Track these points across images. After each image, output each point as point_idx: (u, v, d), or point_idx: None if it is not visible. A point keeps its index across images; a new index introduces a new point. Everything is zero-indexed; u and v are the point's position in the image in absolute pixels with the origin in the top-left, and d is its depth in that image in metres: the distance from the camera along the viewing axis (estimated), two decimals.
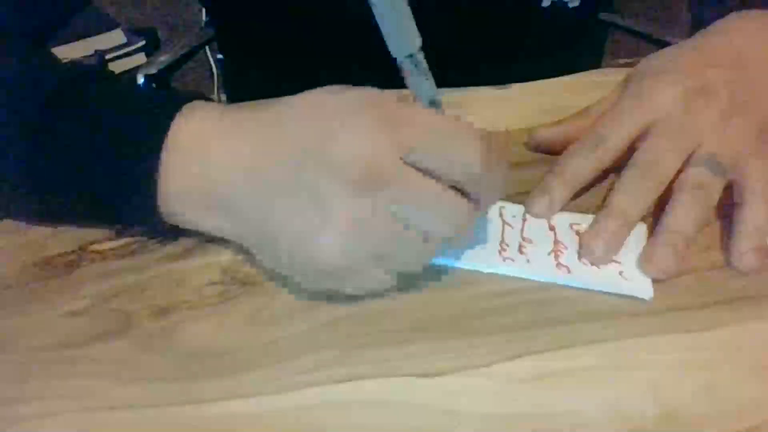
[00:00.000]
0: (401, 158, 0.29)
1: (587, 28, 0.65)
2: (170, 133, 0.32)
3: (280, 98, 0.32)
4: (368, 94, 0.31)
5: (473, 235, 0.36)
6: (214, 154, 0.32)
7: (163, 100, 0.34)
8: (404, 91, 0.32)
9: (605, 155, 0.39)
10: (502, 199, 0.39)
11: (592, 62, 0.73)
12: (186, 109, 0.33)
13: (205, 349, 0.31)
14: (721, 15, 0.44)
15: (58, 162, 0.33)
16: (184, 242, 0.36)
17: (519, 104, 0.48)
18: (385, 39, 0.30)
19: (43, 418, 0.28)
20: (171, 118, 0.33)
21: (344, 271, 0.31)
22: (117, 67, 1.45)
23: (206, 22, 0.98)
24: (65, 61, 0.39)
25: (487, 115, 0.47)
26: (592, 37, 0.71)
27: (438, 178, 0.30)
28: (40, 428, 0.28)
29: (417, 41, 0.31)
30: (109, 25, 1.47)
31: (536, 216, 0.38)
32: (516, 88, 0.50)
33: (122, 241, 0.37)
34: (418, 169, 0.30)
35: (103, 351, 0.31)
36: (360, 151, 0.29)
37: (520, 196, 0.40)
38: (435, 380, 0.30)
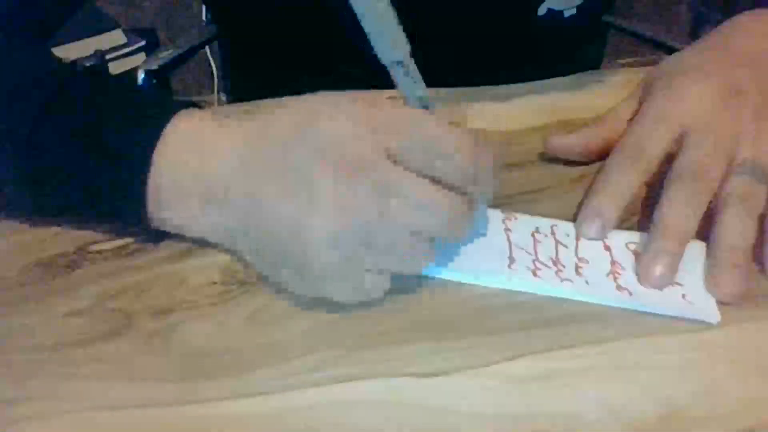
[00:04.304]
0: (386, 155, 0.30)
1: (586, 33, 0.65)
2: (165, 132, 0.33)
3: (275, 100, 0.33)
4: (358, 94, 0.32)
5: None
6: (208, 147, 0.33)
7: (159, 103, 0.35)
8: (393, 91, 0.32)
9: (649, 166, 0.37)
10: (553, 217, 0.38)
11: (592, 63, 0.73)
12: (182, 112, 0.34)
13: (205, 349, 0.31)
14: (724, 15, 0.44)
15: (53, 163, 0.34)
16: (184, 242, 0.36)
17: (519, 104, 0.48)
18: (372, 45, 0.30)
19: (43, 418, 0.28)
20: (166, 120, 0.33)
21: (334, 265, 0.30)
22: (117, 67, 1.45)
23: (206, 22, 0.98)
24: (64, 61, 0.39)
25: (487, 115, 0.48)
26: (592, 40, 0.71)
27: (424, 175, 0.30)
28: (40, 428, 0.28)
29: (405, 47, 0.31)
30: (109, 25, 1.47)
31: (590, 238, 0.37)
32: (515, 88, 0.50)
33: (122, 241, 0.37)
34: (404, 166, 0.30)
35: (103, 351, 0.31)
36: (342, 134, 0.30)
37: (521, 196, 0.40)
38: (435, 380, 0.30)
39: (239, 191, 0.32)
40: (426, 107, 0.32)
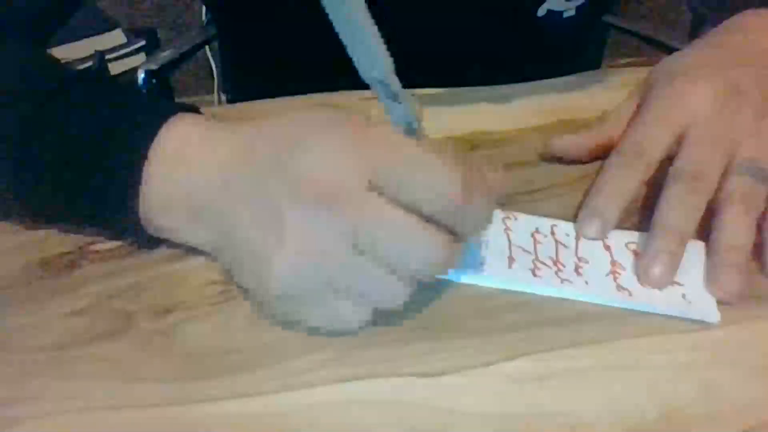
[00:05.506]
0: (368, 182, 0.28)
1: (586, 34, 0.65)
2: (155, 144, 0.33)
3: (266, 101, 0.32)
4: (343, 114, 0.31)
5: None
6: (195, 161, 0.33)
7: (151, 111, 0.34)
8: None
9: (649, 166, 0.37)
10: (553, 217, 0.38)
11: (593, 63, 0.73)
12: (172, 120, 0.33)
13: (205, 349, 0.31)
14: (722, 15, 0.44)
15: (44, 170, 0.33)
16: None
17: (519, 104, 0.48)
18: (353, 61, 0.28)
19: (42, 419, 0.28)
20: (157, 129, 0.33)
21: (298, 299, 0.29)
22: (117, 67, 1.44)
23: (206, 22, 0.98)
24: (64, 61, 0.39)
25: (487, 115, 0.48)
26: (592, 41, 0.71)
27: (409, 209, 0.28)
28: (40, 429, 0.28)
29: (386, 66, 0.28)
30: (109, 25, 1.47)
31: (590, 238, 0.36)
32: (514, 88, 0.50)
33: (122, 241, 0.37)
34: (388, 199, 0.28)
35: (103, 351, 0.31)
36: (319, 169, 0.29)
37: (521, 196, 0.40)
38: (435, 380, 0.30)
39: (217, 209, 0.32)
40: (413, 128, 0.30)
